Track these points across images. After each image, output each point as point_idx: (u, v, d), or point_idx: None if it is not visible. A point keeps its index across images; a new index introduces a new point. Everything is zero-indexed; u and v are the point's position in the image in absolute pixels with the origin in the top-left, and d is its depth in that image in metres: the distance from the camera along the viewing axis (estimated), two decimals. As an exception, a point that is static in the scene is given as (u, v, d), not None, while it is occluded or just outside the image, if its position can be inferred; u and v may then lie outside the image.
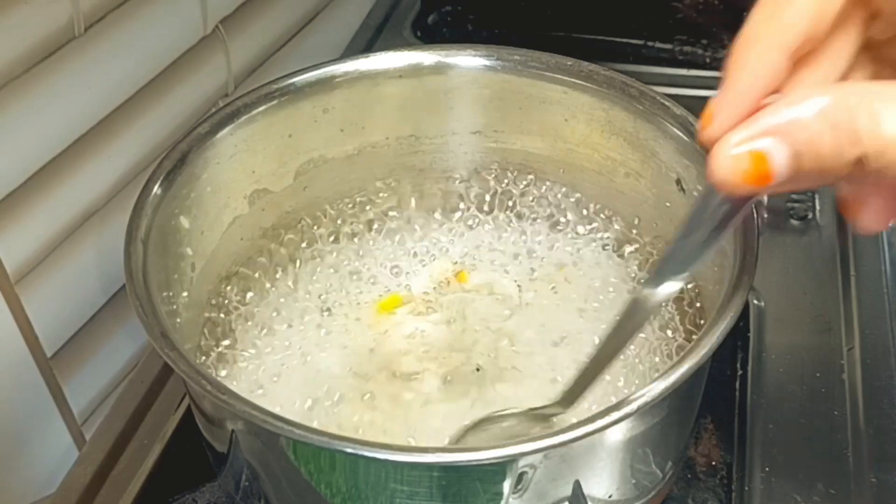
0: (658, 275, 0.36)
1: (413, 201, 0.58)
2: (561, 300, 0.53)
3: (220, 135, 0.49)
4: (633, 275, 0.53)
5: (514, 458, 0.36)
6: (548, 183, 0.57)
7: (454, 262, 0.56)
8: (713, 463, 0.52)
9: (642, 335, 0.50)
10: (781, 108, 0.27)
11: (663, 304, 0.37)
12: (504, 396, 0.48)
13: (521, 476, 0.37)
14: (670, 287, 0.36)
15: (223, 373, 0.49)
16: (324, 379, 0.49)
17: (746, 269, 0.40)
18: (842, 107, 0.26)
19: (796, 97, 0.27)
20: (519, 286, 0.54)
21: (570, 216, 0.56)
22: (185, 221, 0.48)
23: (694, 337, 0.48)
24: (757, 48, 0.28)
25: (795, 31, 0.28)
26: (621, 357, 0.43)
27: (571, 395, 0.41)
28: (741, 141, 0.27)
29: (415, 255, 0.56)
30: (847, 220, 0.33)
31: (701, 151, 0.46)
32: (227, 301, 0.52)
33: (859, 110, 0.25)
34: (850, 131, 0.25)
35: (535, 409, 0.43)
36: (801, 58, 0.29)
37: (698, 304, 0.50)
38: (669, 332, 0.50)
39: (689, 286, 0.51)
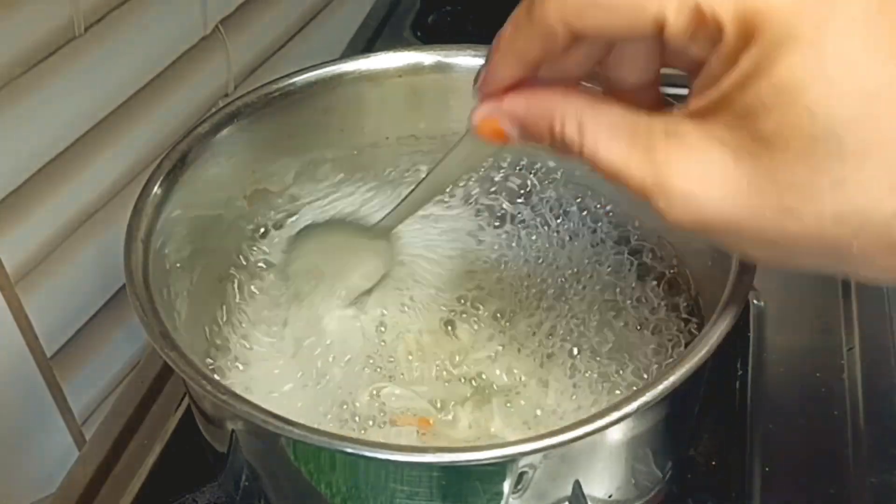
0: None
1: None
2: (561, 297, 0.53)
3: (220, 135, 0.49)
4: (633, 273, 0.53)
5: (514, 458, 0.36)
6: (547, 183, 0.57)
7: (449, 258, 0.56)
8: (713, 463, 0.52)
9: (647, 334, 0.50)
10: (519, 101, 0.35)
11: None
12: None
13: (521, 476, 0.37)
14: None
15: (223, 372, 0.49)
16: (323, 377, 0.49)
17: (746, 269, 0.40)
18: (559, 114, 0.33)
19: (535, 95, 0.35)
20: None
21: (570, 216, 0.56)
22: (184, 221, 0.48)
23: (694, 337, 0.48)
24: (507, 58, 0.35)
25: (532, 55, 0.34)
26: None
27: (397, 217, 0.49)
28: (487, 116, 0.36)
29: (415, 255, 0.56)
30: None
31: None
32: (227, 301, 0.52)
33: (571, 122, 0.33)
34: (561, 136, 0.33)
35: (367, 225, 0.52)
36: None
37: (698, 305, 0.50)
38: (669, 333, 0.50)
39: (687, 287, 0.51)
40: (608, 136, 0.32)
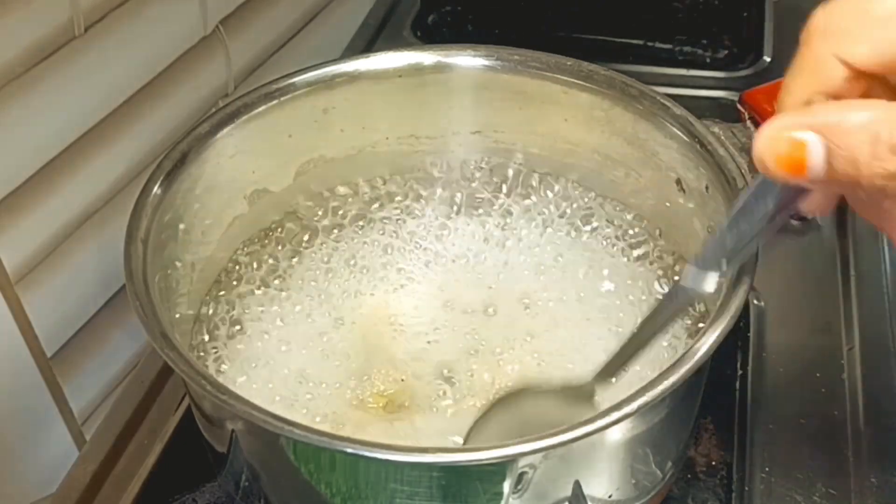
0: (701, 263, 0.37)
1: (413, 201, 0.58)
2: (562, 297, 0.53)
3: (220, 135, 0.49)
4: (633, 274, 0.53)
5: (514, 458, 0.36)
6: (547, 183, 0.57)
7: (452, 260, 0.56)
8: (713, 463, 0.52)
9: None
10: (831, 109, 0.29)
11: (703, 295, 0.37)
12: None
13: (521, 476, 0.37)
14: (711, 279, 0.37)
15: (223, 371, 0.49)
16: (323, 376, 0.49)
17: (746, 269, 0.40)
18: (888, 122, 0.27)
19: (849, 104, 0.29)
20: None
21: (570, 216, 0.56)
22: (185, 221, 0.48)
23: (694, 337, 0.48)
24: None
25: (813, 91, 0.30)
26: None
27: (606, 373, 0.42)
28: (785, 126, 0.29)
29: (415, 254, 0.56)
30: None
31: (701, 151, 0.46)
32: (227, 301, 0.52)
33: None
34: (889, 146, 0.27)
35: (570, 386, 0.43)
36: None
37: (698, 305, 0.50)
38: (669, 333, 0.50)
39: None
40: None
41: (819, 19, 0.30)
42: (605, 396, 0.42)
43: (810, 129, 0.28)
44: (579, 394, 0.42)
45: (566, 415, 0.41)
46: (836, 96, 0.30)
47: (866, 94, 0.30)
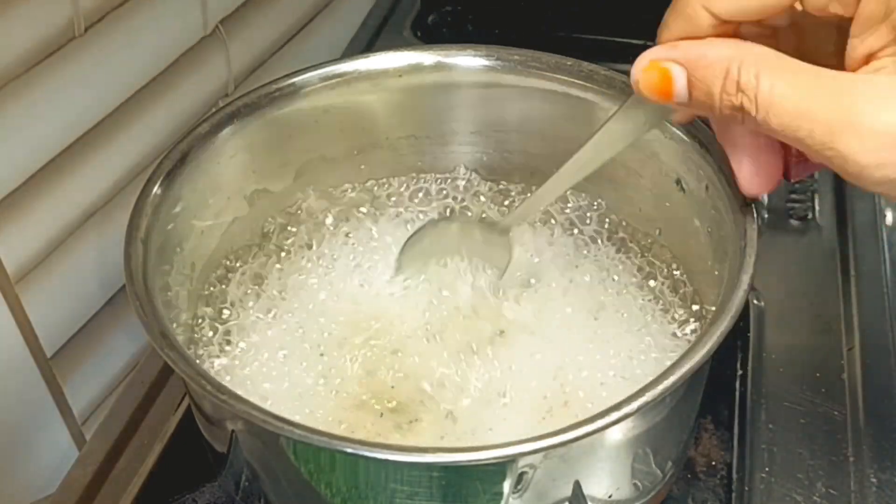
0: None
1: (413, 201, 0.58)
2: (562, 298, 0.53)
3: (220, 135, 0.49)
4: (633, 274, 0.53)
5: (514, 458, 0.36)
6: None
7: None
8: (713, 463, 0.52)
9: (646, 335, 0.50)
10: (693, 46, 0.34)
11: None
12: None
13: (521, 476, 0.37)
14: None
15: (223, 369, 0.49)
16: (321, 378, 0.49)
17: (746, 269, 0.40)
18: (737, 60, 0.32)
19: (710, 42, 0.34)
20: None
21: (570, 216, 0.56)
22: (184, 221, 0.48)
23: (694, 337, 0.48)
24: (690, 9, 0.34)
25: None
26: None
27: (520, 214, 0.48)
28: (657, 58, 0.35)
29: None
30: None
31: (701, 152, 0.47)
32: (227, 301, 0.52)
33: (749, 68, 0.31)
34: (735, 82, 0.32)
35: (490, 221, 0.50)
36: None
37: (698, 306, 0.50)
38: (669, 333, 0.50)
39: (689, 287, 0.51)
40: (790, 81, 0.31)
41: None
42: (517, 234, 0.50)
43: (675, 62, 0.34)
44: (497, 228, 0.50)
45: (484, 240, 0.50)
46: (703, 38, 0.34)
47: (733, 36, 0.34)
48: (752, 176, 0.38)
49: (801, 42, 0.36)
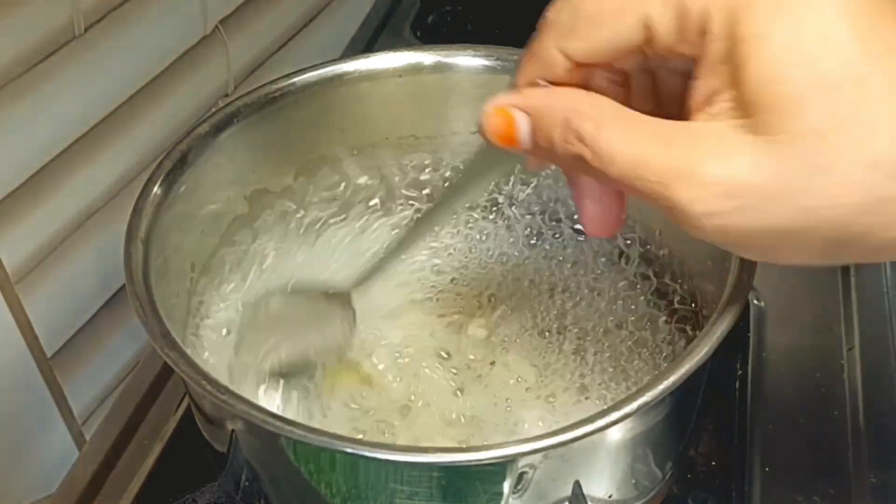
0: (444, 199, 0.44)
1: (413, 201, 0.58)
2: (561, 298, 0.53)
3: (220, 135, 0.49)
4: (633, 273, 0.53)
5: (514, 458, 0.36)
6: (547, 183, 0.57)
7: (449, 253, 0.56)
8: (713, 463, 0.52)
9: (644, 335, 0.50)
10: (538, 94, 0.34)
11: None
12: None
13: (521, 476, 0.37)
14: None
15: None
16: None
17: (746, 269, 0.40)
18: (577, 111, 0.32)
19: (552, 91, 0.34)
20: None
21: (569, 216, 0.56)
22: (184, 221, 0.48)
23: (693, 338, 0.48)
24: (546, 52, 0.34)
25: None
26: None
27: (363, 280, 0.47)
28: (502, 104, 0.34)
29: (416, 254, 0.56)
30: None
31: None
32: (227, 300, 0.52)
33: (588, 119, 0.31)
34: (575, 132, 0.31)
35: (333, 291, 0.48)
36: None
37: (698, 305, 0.50)
38: (669, 333, 0.50)
39: (687, 287, 0.51)
40: (626, 131, 0.31)
41: (549, 14, 0.34)
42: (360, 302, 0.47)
43: (520, 109, 0.34)
44: (337, 297, 0.48)
45: (325, 313, 0.48)
46: (558, 81, 0.34)
47: (587, 81, 0.35)
48: (596, 219, 0.38)
49: (656, 88, 0.36)
